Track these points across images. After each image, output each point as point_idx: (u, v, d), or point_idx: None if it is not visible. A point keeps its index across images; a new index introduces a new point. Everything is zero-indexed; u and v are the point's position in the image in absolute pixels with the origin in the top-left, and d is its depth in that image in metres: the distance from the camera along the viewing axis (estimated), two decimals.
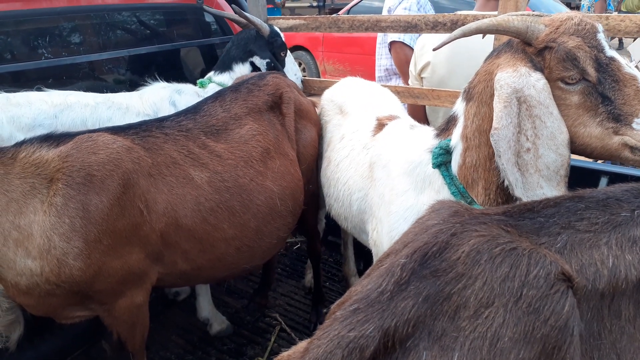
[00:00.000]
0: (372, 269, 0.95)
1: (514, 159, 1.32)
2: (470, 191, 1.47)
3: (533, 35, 1.33)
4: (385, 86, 2.54)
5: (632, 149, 1.27)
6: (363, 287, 0.87)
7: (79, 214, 1.51)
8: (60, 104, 2.09)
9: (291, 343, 2.59)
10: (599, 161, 2.26)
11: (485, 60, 1.50)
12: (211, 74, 2.71)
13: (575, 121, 1.33)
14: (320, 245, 2.75)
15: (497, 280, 0.79)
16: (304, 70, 9.11)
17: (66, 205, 1.50)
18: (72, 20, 2.58)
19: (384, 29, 2.69)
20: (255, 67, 2.70)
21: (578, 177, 2.26)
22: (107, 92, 2.32)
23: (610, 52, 1.29)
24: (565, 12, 1.42)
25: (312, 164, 2.36)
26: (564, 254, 0.87)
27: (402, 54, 3.42)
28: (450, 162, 1.54)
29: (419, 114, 2.82)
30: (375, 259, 1.90)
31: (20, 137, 1.87)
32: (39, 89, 2.15)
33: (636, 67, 1.94)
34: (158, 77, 2.52)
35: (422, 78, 2.70)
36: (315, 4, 14.39)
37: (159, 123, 1.89)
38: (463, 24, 2.24)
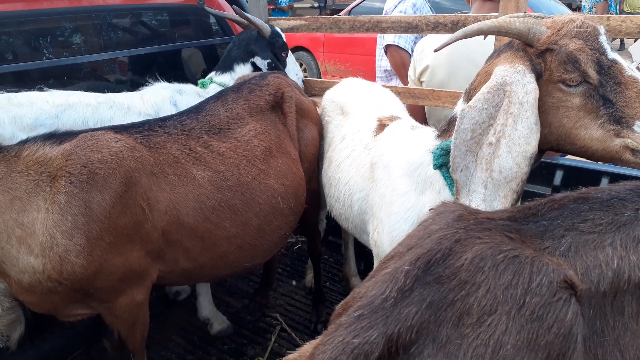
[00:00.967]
0: (375, 271, 0.95)
1: (473, 146, 1.30)
2: None
3: (535, 37, 1.33)
4: (385, 87, 2.55)
5: (634, 151, 1.27)
6: (367, 292, 0.87)
7: (81, 211, 1.52)
8: (61, 104, 2.10)
9: (291, 343, 2.60)
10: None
11: (486, 61, 1.51)
12: (212, 74, 2.72)
13: (576, 123, 1.33)
14: (321, 245, 2.76)
15: (500, 287, 0.80)
16: (305, 70, 9.12)
17: (69, 203, 1.51)
18: (73, 20, 2.58)
19: (385, 30, 2.70)
20: (256, 68, 2.71)
21: (579, 178, 2.28)
22: (108, 92, 2.33)
23: (612, 55, 1.29)
24: (567, 14, 1.42)
25: (313, 162, 2.37)
26: (568, 256, 0.87)
27: (397, 57, 3.44)
28: None
29: (419, 116, 2.82)
30: (376, 259, 1.90)
31: (22, 136, 1.87)
32: (40, 89, 2.15)
33: (637, 68, 1.95)
34: (159, 78, 2.52)
35: (421, 82, 2.71)
36: (316, 4, 14.42)
37: (162, 122, 1.90)
38: (464, 25, 2.25)
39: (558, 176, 2.31)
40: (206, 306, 2.66)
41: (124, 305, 1.73)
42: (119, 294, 1.71)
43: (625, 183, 1.01)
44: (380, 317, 0.81)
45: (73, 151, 1.57)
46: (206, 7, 3.03)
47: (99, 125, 2.12)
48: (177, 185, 1.76)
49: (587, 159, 1.41)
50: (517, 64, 1.33)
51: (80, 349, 2.52)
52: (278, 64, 2.72)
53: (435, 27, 2.43)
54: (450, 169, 1.32)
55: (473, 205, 1.29)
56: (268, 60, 2.69)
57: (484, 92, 1.31)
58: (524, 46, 1.37)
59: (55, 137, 1.62)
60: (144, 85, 2.47)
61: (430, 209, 1.03)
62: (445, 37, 1.50)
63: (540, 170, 2.26)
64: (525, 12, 1.55)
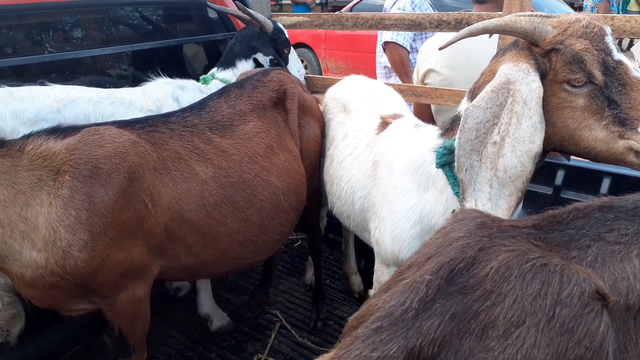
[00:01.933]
0: (392, 282, 0.91)
1: (477, 145, 1.30)
2: None
3: (540, 37, 1.33)
4: (387, 84, 2.54)
5: (638, 153, 1.27)
6: (385, 303, 0.83)
7: (85, 206, 1.52)
8: (63, 98, 2.09)
9: (291, 340, 2.61)
10: None
11: (491, 60, 1.50)
12: (214, 70, 2.71)
13: (580, 124, 1.33)
14: (321, 242, 2.76)
15: (528, 298, 0.76)
16: (306, 67, 9.10)
17: (72, 197, 1.51)
18: (75, 14, 2.57)
19: (388, 27, 2.69)
20: (258, 64, 2.70)
21: (580, 178, 2.28)
22: (110, 87, 2.32)
23: (618, 56, 1.28)
24: (572, 13, 1.42)
25: (315, 159, 2.37)
26: (595, 268, 0.84)
27: (395, 54, 3.43)
28: (454, 162, 1.54)
29: (425, 115, 2.82)
30: (377, 257, 1.90)
31: (23, 131, 1.87)
32: (42, 84, 2.15)
33: None
34: (161, 73, 2.52)
35: (425, 85, 2.70)
36: (318, 1, 14.37)
37: (165, 118, 1.90)
38: (468, 23, 2.25)
39: (560, 176, 2.31)
40: (206, 303, 2.66)
41: (125, 301, 1.73)
42: (121, 289, 1.71)
43: None
44: (400, 329, 0.77)
45: (77, 146, 1.57)
46: (209, 3, 3.02)
47: (100, 121, 2.11)
48: (180, 181, 1.76)
49: (591, 160, 1.40)
50: (521, 62, 1.33)
51: (80, 345, 2.52)
52: (280, 61, 2.71)
53: (439, 25, 2.42)
54: (455, 168, 1.32)
55: (479, 204, 1.29)
56: (270, 57, 2.69)
57: (488, 90, 1.31)
58: (529, 45, 1.37)
59: (59, 131, 1.62)
60: (146, 80, 2.46)
61: (452, 212, 1.00)
62: (449, 37, 1.49)
63: (541, 170, 2.26)
64: (530, 11, 1.55)
